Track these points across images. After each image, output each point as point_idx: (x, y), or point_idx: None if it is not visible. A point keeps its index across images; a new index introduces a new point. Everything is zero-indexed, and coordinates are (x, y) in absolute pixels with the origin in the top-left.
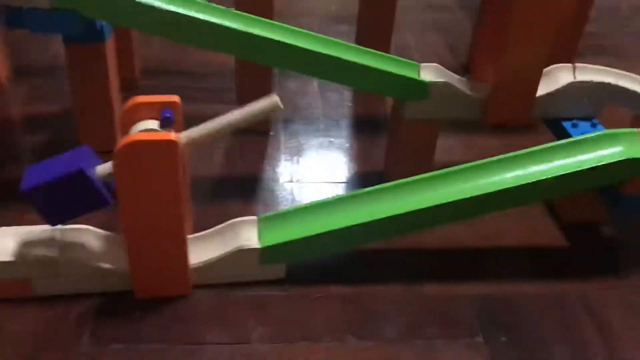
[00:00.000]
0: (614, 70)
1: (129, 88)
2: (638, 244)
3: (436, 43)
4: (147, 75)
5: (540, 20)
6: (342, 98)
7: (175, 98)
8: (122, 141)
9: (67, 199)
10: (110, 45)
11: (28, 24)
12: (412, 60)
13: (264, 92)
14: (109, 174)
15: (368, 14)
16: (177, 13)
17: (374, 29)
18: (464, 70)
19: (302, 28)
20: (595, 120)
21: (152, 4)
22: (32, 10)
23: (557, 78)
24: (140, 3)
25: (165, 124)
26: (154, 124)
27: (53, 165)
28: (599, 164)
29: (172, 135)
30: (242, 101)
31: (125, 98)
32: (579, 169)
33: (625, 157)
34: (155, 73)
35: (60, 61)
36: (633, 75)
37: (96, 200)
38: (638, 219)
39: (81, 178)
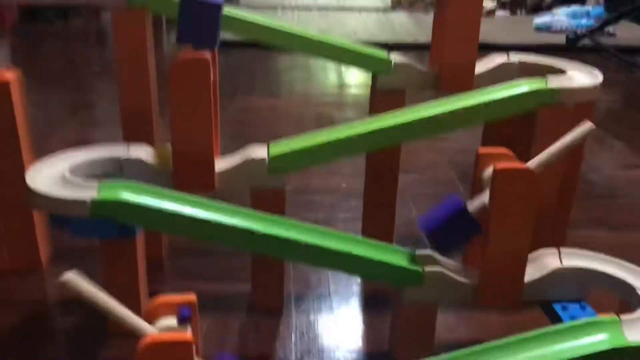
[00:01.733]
0: (600, 255)
1: (156, 269)
2: None
3: None
4: (173, 255)
5: (520, 211)
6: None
7: (192, 297)
8: (143, 341)
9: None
10: (140, 238)
11: (70, 229)
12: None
13: (276, 272)
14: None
15: (373, 190)
16: (198, 218)
17: (379, 204)
18: None
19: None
20: (584, 303)
21: (178, 212)
22: (74, 217)
23: (544, 263)
24: (167, 212)
25: (183, 321)
26: (172, 321)
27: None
28: (585, 354)
29: (187, 334)
30: (256, 279)
31: (151, 281)
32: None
33: (609, 347)
34: (180, 253)
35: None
36: (619, 261)
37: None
38: None
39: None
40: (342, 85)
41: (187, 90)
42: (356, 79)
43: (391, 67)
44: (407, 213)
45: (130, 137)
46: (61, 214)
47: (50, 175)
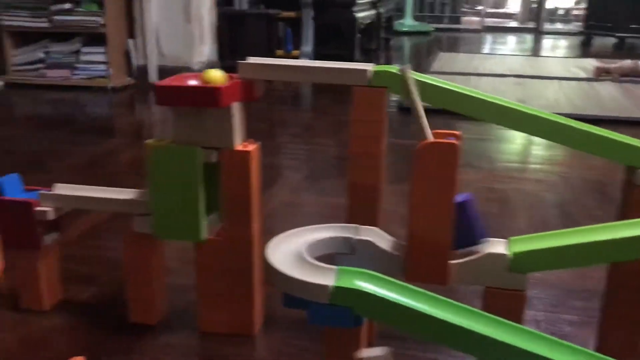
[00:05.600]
0: None
1: None
2: None
3: None
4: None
5: None
6: None
7: None
8: None
9: None
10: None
11: (308, 314)
12: None
13: None
14: None
15: (615, 305)
16: (440, 320)
17: (622, 317)
18: None
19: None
20: None
21: (422, 311)
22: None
23: None
24: (410, 309)
25: None
26: None
27: None
28: None
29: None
30: None
31: None
32: None
33: None
34: (385, 337)
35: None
36: None
37: None
38: None
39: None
40: (540, 157)
41: (432, 175)
42: (544, 149)
43: None
44: None
45: (355, 213)
46: (300, 297)
47: (288, 253)
